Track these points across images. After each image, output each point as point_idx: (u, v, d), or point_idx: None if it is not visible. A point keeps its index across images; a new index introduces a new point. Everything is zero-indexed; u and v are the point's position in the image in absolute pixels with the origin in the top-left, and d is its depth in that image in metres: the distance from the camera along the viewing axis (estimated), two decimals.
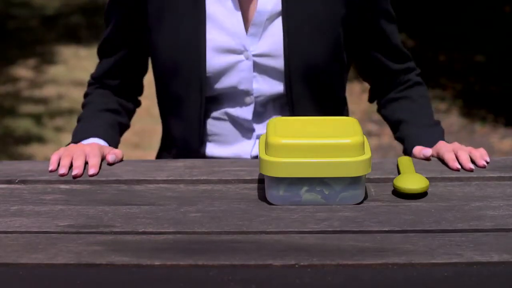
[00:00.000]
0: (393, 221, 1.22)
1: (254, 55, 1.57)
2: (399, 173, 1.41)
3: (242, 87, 1.60)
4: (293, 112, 1.60)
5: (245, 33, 1.57)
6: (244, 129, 1.64)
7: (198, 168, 1.47)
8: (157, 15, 1.58)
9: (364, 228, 1.20)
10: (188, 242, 1.15)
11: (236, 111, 1.62)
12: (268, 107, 1.63)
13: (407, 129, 1.64)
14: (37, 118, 4.44)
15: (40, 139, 4.13)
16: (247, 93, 1.60)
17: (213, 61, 1.57)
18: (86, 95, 1.76)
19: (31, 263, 1.10)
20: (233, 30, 1.57)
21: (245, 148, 1.64)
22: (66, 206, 1.30)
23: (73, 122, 4.39)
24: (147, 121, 4.21)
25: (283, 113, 1.63)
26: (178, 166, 1.49)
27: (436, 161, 1.49)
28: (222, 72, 1.58)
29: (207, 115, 1.63)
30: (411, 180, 1.34)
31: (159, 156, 1.76)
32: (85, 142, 1.57)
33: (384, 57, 1.67)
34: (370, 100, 1.76)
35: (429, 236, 1.17)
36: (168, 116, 1.67)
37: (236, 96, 1.61)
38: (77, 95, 4.86)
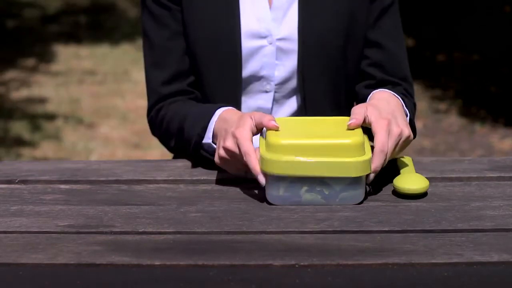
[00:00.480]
0: (393, 221, 1.22)
1: (277, 39, 1.59)
2: (399, 173, 1.41)
3: (263, 73, 1.60)
4: (304, 98, 1.60)
5: (270, 17, 1.58)
6: None
7: (198, 168, 1.47)
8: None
9: (364, 228, 1.20)
10: (188, 242, 1.15)
11: (255, 99, 1.63)
12: (287, 95, 1.63)
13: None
14: (37, 118, 4.44)
15: (40, 139, 4.13)
16: (268, 79, 1.61)
17: (243, 45, 1.59)
18: (161, 117, 1.61)
19: (31, 263, 1.10)
20: (260, 15, 1.58)
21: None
22: (66, 206, 1.30)
23: (73, 122, 4.40)
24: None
25: (295, 99, 1.63)
26: (178, 166, 1.49)
27: (437, 161, 1.49)
28: (247, 58, 1.59)
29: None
30: (411, 180, 1.34)
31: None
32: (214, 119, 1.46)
33: (376, 59, 1.63)
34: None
35: (429, 236, 1.17)
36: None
37: (256, 83, 1.62)
38: (77, 95, 4.86)
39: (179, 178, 1.42)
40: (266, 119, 1.33)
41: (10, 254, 1.12)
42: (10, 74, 5.37)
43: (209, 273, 1.07)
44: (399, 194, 1.34)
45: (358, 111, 1.34)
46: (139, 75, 5.03)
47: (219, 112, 1.47)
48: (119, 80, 5.17)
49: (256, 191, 1.36)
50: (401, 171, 1.40)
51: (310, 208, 1.27)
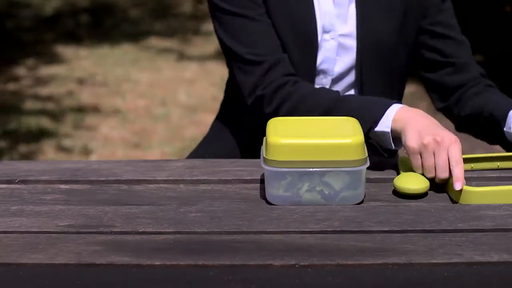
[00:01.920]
0: (393, 221, 1.22)
1: (339, 35, 1.61)
2: (399, 173, 1.41)
3: (323, 67, 1.62)
4: (361, 93, 1.63)
5: (334, 13, 1.60)
6: None
7: (198, 168, 1.47)
8: None
9: (364, 228, 1.20)
10: (188, 242, 1.15)
11: None
12: (342, 90, 1.65)
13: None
14: (36, 118, 4.44)
15: (39, 139, 4.12)
16: (326, 73, 1.63)
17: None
18: (288, 92, 1.55)
19: (31, 263, 1.09)
20: (325, 9, 1.60)
21: None
22: (66, 206, 1.30)
23: (73, 122, 4.40)
24: (147, 121, 4.21)
25: (350, 93, 1.66)
26: (178, 166, 1.49)
27: None
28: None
29: None
30: (411, 180, 1.34)
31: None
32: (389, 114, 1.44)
33: (450, 49, 1.67)
34: (438, 104, 1.71)
35: (429, 236, 1.17)
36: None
37: (314, 76, 1.63)
38: (76, 95, 4.86)
39: (179, 178, 1.42)
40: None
41: (10, 254, 1.12)
42: (10, 74, 5.37)
43: (209, 273, 1.07)
44: (399, 194, 1.34)
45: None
46: (139, 75, 5.03)
47: (397, 106, 1.45)
48: (119, 80, 5.16)
49: (256, 191, 1.36)
50: (401, 171, 1.40)
51: (310, 208, 1.27)
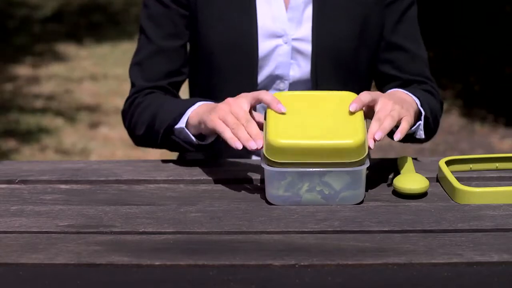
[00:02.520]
0: (393, 221, 1.22)
1: (293, 39, 1.60)
2: (399, 173, 1.41)
3: (278, 72, 1.61)
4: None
5: (286, 17, 1.59)
6: None
7: (198, 168, 1.47)
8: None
9: (364, 228, 1.20)
10: (188, 242, 1.15)
11: None
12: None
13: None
14: (36, 118, 4.44)
15: (39, 139, 4.12)
16: (282, 79, 1.62)
17: (260, 45, 1.60)
18: (135, 106, 1.62)
19: (31, 263, 1.09)
20: (276, 14, 1.59)
21: None
22: (66, 206, 1.30)
23: (73, 122, 4.39)
24: None
25: None
26: (178, 166, 1.49)
27: (436, 161, 1.49)
28: (263, 57, 1.61)
29: None
30: (411, 180, 1.34)
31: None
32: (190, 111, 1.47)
33: (400, 61, 1.66)
34: None
35: (429, 236, 1.17)
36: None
37: (270, 82, 1.63)
38: (77, 95, 4.86)
39: (179, 178, 1.42)
40: (262, 93, 1.35)
41: (10, 254, 1.12)
42: (10, 74, 5.37)
43: (209, 273, 1.07)
44: (399, 194, 1.34)
45: (364, 95, 1.35)
46: None
47: (200, 103, 1.48)
48: (119, 80, 5.16)
49: (256, 191, 1.36)
50: (401, 171, 1.41)
51: (310, 208, 1.27)
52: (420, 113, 1.48)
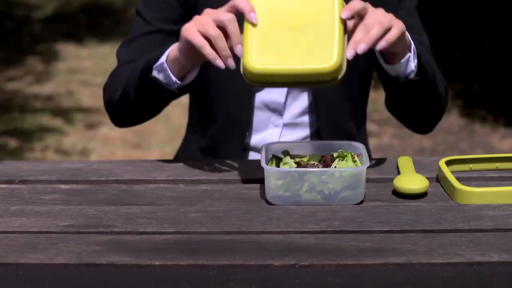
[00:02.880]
0: (393, 221, 1.22)
1: None
2: (399, 173, 1.41)
3: None
4: (316, 94, 1.61)
5: None
6: (275, 114, 1.64)
7: (198, 168, 1.47)
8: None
9: (364, 228, 1.20)
10: (188, 242, 1.15)
11: (271, 93, 1.62)
12: (294, 93, 1.63)
13: None
14: (36, 118, 4.44)
15: (39, 139, 4.12)
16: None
17: None
18: (112, 73, 1.60)
19: (31, 263, 1.09)
20: None
21: (272, 136, 1.64)
22: (66, 206, 1.30)
23: (72, 122, 4.39)
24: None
25: (311, 98, 1.63)
26: (178, 166, 1.49)
27: (436, 161, 1.49)
28: None
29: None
30: (411, 180, 1.34)
31: (181, 155, 1.75)
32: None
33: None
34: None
35: (429, 236, 1.17)
36: (210, 108, 1.65)
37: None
38: (77, 95, 4.86)
39: (179, 178, 1.42)
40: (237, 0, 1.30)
41: (10, 254, 1.12)
42: (10, 74, 5.37)
43: (209, 273, 1.07)
44: (399, 194, 1.34)
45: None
46: None
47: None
48: None
49: (256, 191, 1.36)
50: (401, 171, 1.41)
51: (310, 208, 1.27)
52: (410, 44, 1.39)
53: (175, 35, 1.60)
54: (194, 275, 1.07)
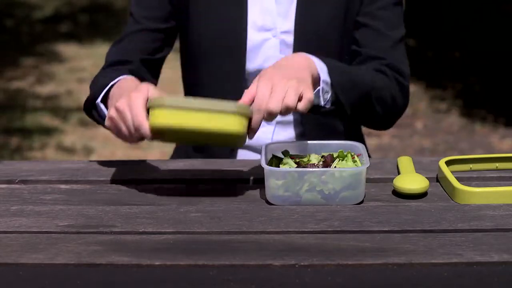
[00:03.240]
0: (393, 221, 1.22)
1: (281, 33, 1.60)
2: (399, 173, 1.41)
3: (266, 65, 1.59)
4: None
5: (276, 11, 1.59)
6: None
7: (198, 168, 1.47)
8: None
9: (364, 228, 1.20)
10: (188, 242, 1.15)
11: None
12: None
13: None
14: (36, 118, 4.44)
15: (39, 139, 4.12)
16: None
17: (248, 38, 1.60)
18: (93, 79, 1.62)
19: (31, 263, 1.09)
20: (266, 7, 1.60)
21: (266, 134, 1.64)
22: (66, 206, 1.30)
23: (72, 122, 4.39)
24: None
25: None
26: (178, 166, 1.49)
27: (436, 161, 1.49)
28: (252, 50, 1.60)
29: None
30: (411, 180, 1.34)
31: (178, 149, 1.75)
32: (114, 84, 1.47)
33: (364, 39, 1.61)
34: None
35: (429, 236, 1.17)
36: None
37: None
38: (77, 95, 4.86)
39: (179, 178, 1.42)
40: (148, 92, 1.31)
41: (10, 254, 1.12)
42: (10, 74, 5.37)
43: (209, 273, 1.07)
44: (399, 194, 1.34)
45: (249, 88, 1.31)
46: None
47: (121, 78, 1.48)
48: None
49: (256, 191, 1.36)
50: (401, 171, 1.41)
51: (310, 208, 1.27)
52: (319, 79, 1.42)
53: (162, 33, 1.63)
54: (194, 275, 1.07)
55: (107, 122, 1.36)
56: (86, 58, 5.76)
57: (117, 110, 1.31)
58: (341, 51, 1.63)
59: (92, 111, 1.52)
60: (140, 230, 1.20)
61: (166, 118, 1.26)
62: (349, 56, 1.64)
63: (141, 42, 1.63)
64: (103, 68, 1.62)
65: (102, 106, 1.49)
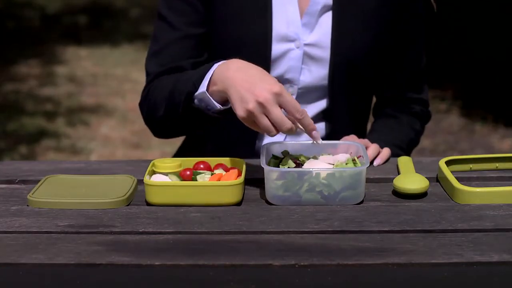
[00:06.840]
0: (393, 221, 1.22)
1: (305, 45, 1.59)
2: (399, 173, 1.41)
3: (288, 76, 1.60)
4: (331, 102, 1.63)
5: (300, 21, 1.59)
6: None
7: None
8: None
9: (364, 228, 1.20)
10: (188, 242, 1.15)
11: None
12: (309, 100, 1.64)
13: (370, 135, 1.67)
14: (37, 118, 4.44)
15: (39, 139, 4.13)
16: (292, 83, 1.62)
17: (272, 48, 1.59)
18: (152, 89, 1.58)
19: (31, 263, 1.09)
20: (290, 18, 1.59)
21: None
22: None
23: (73, 122, 4.39)
24: None
25: (318, 106, 1.64)
26: None
27: (436, 161, 1.49)
28: (274, 60, 1.60)
29: None
30: (411, 180, 1.34)
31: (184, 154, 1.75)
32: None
33: (402, 79, 1.71)
34: (373, 113, 1.79)
35: (429, 236, 1.17)
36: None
37: None
38: (77, 95, 4.87)
39: None
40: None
41: (10, 254, 1.12)
42: (10, 74, 5.37)
43: (209, 273, 1.07)
44: (399, 194, 1.34)
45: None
46: (139, 75, 5.03)
47: (217, 64, 1.42)
48: (119, 80, 5.17)
49: (256, 191, 1.36)
50: (401, 171, 1.41)
51: (310, 208, 1.27)
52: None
53: (202, 38, 1.60)
54: (194, 275, 1.07)
55: (247, 109, 1.31)
56: (86, 58, 5.77)
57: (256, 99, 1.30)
58: (368, 74, 1.66)
59: (191, 106, 1.45)
60: (140, 230, 1.20)
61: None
62: (373, 88, 1.72)
63: (186, 48, 1.59)
64: (151, 81, 1.58)
65: (206, 95, 1.41)
